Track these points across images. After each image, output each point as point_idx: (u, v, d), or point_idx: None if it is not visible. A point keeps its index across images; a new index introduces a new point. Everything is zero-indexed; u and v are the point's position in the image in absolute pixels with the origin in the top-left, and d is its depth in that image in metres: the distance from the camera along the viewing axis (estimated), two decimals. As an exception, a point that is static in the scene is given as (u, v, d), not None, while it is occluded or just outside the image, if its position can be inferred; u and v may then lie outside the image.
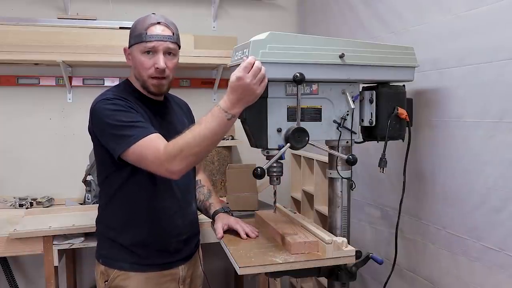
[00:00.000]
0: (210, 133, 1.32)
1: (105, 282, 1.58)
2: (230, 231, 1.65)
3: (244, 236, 1.60)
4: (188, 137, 1.33)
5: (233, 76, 1.29)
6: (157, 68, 1.51)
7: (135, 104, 1.53)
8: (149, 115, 1.56)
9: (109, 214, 1.61)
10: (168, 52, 1.53)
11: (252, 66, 1.29)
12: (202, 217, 2.18)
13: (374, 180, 2.13)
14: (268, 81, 1.43)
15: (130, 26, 2.61)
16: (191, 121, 1.81)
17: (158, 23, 1.52)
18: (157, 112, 1.61)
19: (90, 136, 1.57)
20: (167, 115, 1.66)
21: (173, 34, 1.55)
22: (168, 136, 1.59)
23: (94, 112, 1.49)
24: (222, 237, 1.60)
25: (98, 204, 1.67)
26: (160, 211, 1.57)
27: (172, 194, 1.55)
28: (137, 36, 1.52)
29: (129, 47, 1.57)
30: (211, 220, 1.80)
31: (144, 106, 1.57)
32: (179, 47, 1.60)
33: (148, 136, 1.39)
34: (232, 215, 1.76)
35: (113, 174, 1.50)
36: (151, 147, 1.37)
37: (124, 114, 1.44)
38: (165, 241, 1.60)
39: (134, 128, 1.41)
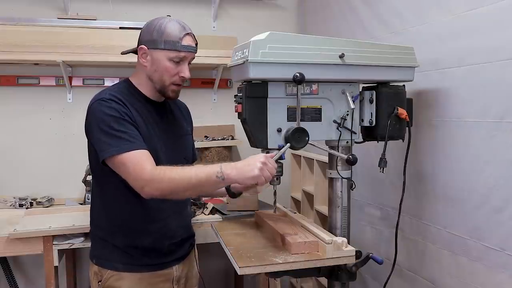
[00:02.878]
0: (195, 179, 1.36)
1: (98, 282, 1.58)
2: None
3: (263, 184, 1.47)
4: (176, 173, 1.37)
5: (260, 154, 1.37)
6: (182, 77, 1.55)
7: (133, 105, 1.53)
8: (147, 116, 1.56)
9: (102, 215, 1.61)
10: (189, 62, 1.58)
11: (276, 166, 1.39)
12: (202, 217, 2.18)
13: (374, 180, 2.13)
14: (268, 81, 1.44)
15: (130, 26, 2.66)
16: (189, 123, 1.81)
17: (188, 33, 1.55)
18: (157, 114, 1.61)
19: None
20: (166, 117, 1.66)
21: (196, 44, 1.59)
22: (166, 138, 1.60)
23: (89, 112, 1.50)
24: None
25: (91, 205, 1.67)
26: (155, 214, 1.57)
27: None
28: (169, 43, 1.50)
29: (149, 48, 1.53)
30: (211, 220, 1.80)
31: (143, 107, 1.57)
32: None
33: (132, 151, 1.41)
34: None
35: (104, 174, 1.50)
36: (132, 163, 1.39)
37: (115, 120, 1.44)
38: (159, 243, 1.60)
39: (119, 140, 1.42)
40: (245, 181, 1.35)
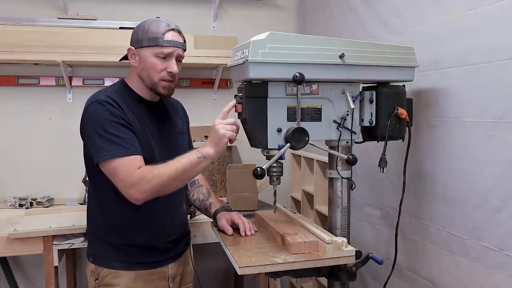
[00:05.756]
0: (180, 166, 1.44)
1: (95, 280, 1.60)
2: (232, 228, 1.67)
3: (243, 233, 1.63)
4: (162, 167, 1.44)
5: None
6: (170, 72, 1.54)
7: (129, 106, 1.54)
8: (142, 116, 1.57)
9: (98, 214, 1.62)
10: (177, 58, 1.57)
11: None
12: (202, 217, 2.19)
13: (374, 180, 2.13)
14: (268, 81, 1.44)
15: (130, 26, 2.67)
16: (185, 121, 1.82)
17: (173, 29, 1.55)
18: (152, 114, 1.62)
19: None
20: (161, 117, 1.67)
21: (184, 41, 1.59)
22: (161, 138, 1.61)
23: (85, 113, 1.52)
24: (233, 234, 1.63)
25: (87, 204, 1.69)
26: (148, 213, 1.57)
27: (160, 196, 1.51)
28: (151, 39, 1.53)
29: (136, 48, 1.57)
30: (211, 220, 1.80)
31: (138, 107, 1.58)
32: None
33: (125, 157, 1.43)
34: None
35: (99, 174, 1.50)
36: (123, 169, 1.42)
37: (111, 124, 1.46)
38: (154, 242, 1.61)
39: (114, 144, 1.43)
40: (221, 146, 1.46)
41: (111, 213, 1.58)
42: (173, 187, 1.49)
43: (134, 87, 1.61)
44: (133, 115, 1.54)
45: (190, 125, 1.88)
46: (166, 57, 1.54)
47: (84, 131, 1.53)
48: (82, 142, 1.57)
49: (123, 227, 1.58)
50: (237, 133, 1.49)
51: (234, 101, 1.47)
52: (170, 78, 1.56)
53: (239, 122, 1.50)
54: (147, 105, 1.62)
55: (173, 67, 1.54)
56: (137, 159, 1.45)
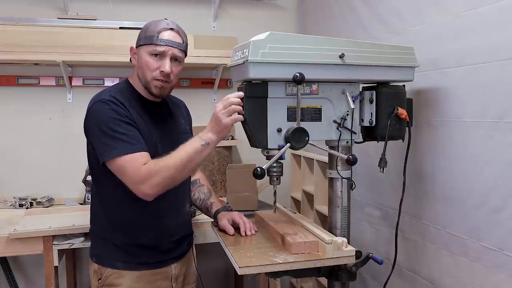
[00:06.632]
0: (186, 156, 1.43)
1: (98, 280, 1.60)
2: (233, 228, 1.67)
3: (243, 233, 1.63)
4: (167, 159, 1.43)
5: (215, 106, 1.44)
6: (162, 71, 1.53)
7: (132, 106, 1.54)
8: (146, 117, 1.58)
9: (101, 214, 1.62)
10: (174, 59, 1.56)
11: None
12: (202, 217, 2.19)
13: (374, 180, 2.13)
14: (268, 81, 1.44)
15: (130, 26, 2.67)
16: (188, 121, 1.82)
17: (171, 29, 1.55)
18: (154, 114, 1.62)
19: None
20: (164, 117, 1.67)
21: (183, 42, 1.58)
22: (165, 138, 1.61)
23: (89, 113, 1.52)
24: (234, 233, 1.63)
25: (90, 204, 1.69)
26: (153, 212, 1.57)
27: (165, 196, 1.51)
28: (147, 38, 1.53)
29: (136, 47, 1.59)
30: (211, 220, 1.80)
31: (141, 107, 1.58)
32: (186, 56, 1.62)
33: (132, 154, 1.43)
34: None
35: (104, 174, 1.50)
36: (131, 166, 1.42)
37: (116, 122, 1.46)
38: (158, 242, 1.61)
39: (120, 142, 1.43)
40: (224, 133, 1.43)
41: (116, 213, 1.58)
42: (181, 178, 1.48)
43: (137, 87, 1.62)
44: (137, 114, 1.54)
45: (190, 125, 1.87)
46: (160, 56, 1.53)
47: (88, 131, 1.52)
48: (84, 142, 1.57)
49: (128, 227, 1.58)
50: (241, 113, 1.42)
51: (241, 93, 1.44)
52: (162, 78, 1.54)
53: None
54: (150, 105, 1.62)
55: (166, 66, 1.52)
56: (144, 156, 1.44)
